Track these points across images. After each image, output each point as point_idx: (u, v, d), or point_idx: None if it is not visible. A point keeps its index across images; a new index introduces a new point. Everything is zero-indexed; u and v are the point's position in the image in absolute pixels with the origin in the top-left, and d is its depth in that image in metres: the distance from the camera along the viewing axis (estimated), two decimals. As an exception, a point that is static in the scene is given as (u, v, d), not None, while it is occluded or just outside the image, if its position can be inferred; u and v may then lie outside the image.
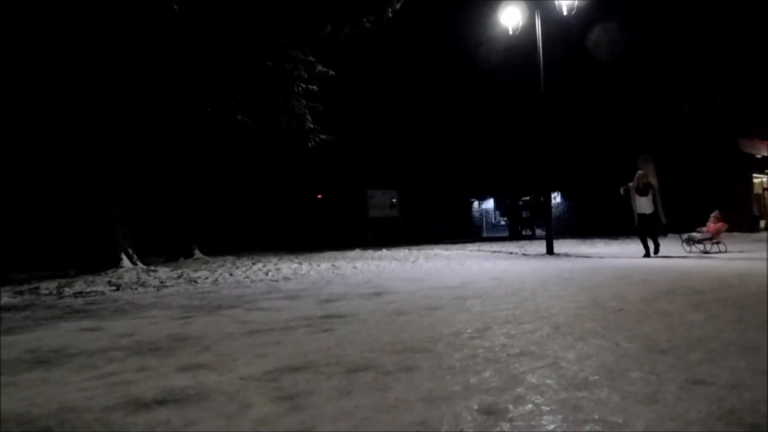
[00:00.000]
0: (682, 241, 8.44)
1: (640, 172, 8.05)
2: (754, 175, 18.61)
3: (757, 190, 18.99)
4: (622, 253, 8.91)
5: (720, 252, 8.05)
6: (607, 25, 14.66)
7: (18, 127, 8.15)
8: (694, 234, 8.46)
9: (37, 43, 7.09)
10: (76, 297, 5.01)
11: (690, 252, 8.22)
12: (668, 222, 7.94)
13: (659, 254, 7.78)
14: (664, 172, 16.16)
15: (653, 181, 8.03)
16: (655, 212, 7.87)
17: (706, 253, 8.06)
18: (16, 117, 7.91)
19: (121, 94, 7.85)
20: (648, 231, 7.97)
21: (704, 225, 8.58)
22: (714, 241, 8.25)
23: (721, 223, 8.40)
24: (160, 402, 1.77)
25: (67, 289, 5.37)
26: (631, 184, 8.00)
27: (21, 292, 5.29)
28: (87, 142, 7.94)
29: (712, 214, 8.66)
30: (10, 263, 8.42)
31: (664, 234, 9.95)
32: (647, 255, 7.78)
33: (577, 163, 18.68)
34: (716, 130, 17.59)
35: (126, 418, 1.64)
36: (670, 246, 8.90)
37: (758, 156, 18.12)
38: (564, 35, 12.83)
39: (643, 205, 7.88)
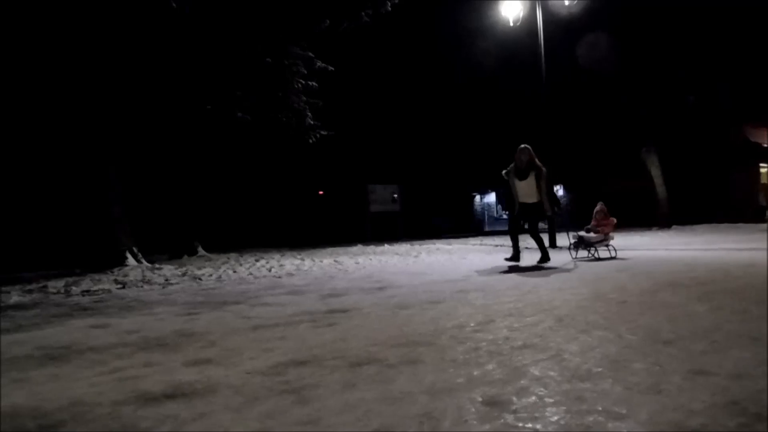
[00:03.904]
0: (570, 245, 6.58)
1: (521, 146, 5.94)
2: (761, 164, 18.45)
3: (764, 179, 18.82)
4: (624, 246, 8.88)
5: (612, 258, 6.30)
6: (609, 15, 14.53)
7: (17, 122, 8.17)
8: (588, 235, 6.51)
9: (34, 38, 7.09)
10: (84, 295, 5.06)
11: (577, 257, 6.40)
12: (554, 214, 5.99)
13: (548, 263, 5.81)
14: (668, 163, 16.14)
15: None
16: (540, 202, 5.84)
17: (598, 259, 6.23)
18: (15, 112, 7.92)
19: (119, 91, 7.85)
20: (531, 228, 6.05)
21: (603, 223, 6.60)
22: (605, 242, 6.52)
23: (612, 218, 6.68)
24: (169, 396, 1.80)
25: (74, 288, 5.42)
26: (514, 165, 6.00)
27: (30, 291, 5.34)
28: (84, 137, 7.94)
29: (597, 208, 6.75)
30: (18, 263, 8.50)
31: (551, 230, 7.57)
32: (514, 258, 5.89)
33: (580, 155, 18.56)
34: (721, 119, 17.42)
35: (136, 412, 1.67)
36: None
37: (765, 145, 17.94)
38: (566, 26, 12.72)
39: (524, 191, 5.86)
